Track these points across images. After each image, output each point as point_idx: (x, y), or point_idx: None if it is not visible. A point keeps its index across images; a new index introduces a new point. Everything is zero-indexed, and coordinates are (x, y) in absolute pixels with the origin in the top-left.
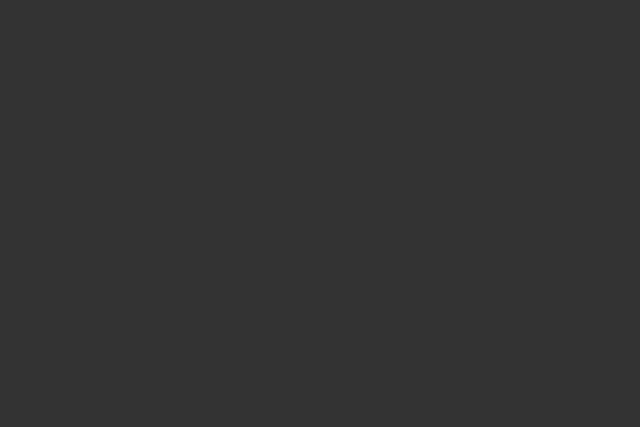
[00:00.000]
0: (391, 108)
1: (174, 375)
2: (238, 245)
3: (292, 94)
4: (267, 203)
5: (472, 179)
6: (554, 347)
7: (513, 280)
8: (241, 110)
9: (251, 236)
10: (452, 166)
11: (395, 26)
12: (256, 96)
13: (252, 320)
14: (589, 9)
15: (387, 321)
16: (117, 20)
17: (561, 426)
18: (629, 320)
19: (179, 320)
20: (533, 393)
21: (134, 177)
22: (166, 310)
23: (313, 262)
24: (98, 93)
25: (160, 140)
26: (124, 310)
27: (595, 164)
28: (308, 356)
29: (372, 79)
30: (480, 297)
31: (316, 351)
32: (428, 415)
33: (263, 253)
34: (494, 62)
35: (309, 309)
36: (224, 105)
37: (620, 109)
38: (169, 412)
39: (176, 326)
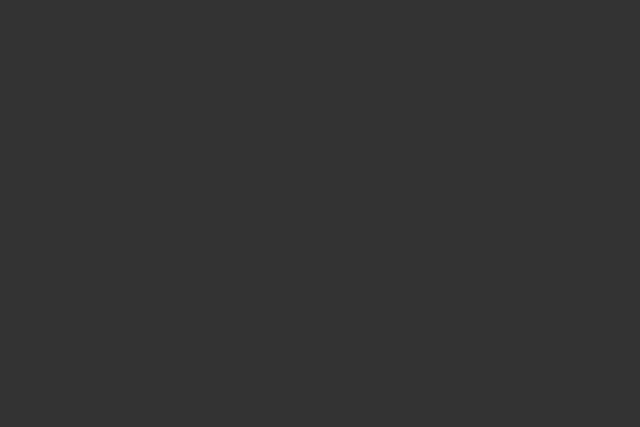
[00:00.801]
0: (391, 108)
1: (174, 375)
2: (238, 246)
3: (291, 94)
4: (267, 203)
5: (472, 179)
6: (554, 347)
7: (513, 280)
8: (241, 110)
9: (251, 236)
10: (452, 166)
11: (395, 26)
12: (256, 96)
13: (252, 320)
14: (589, 9)
15: (387, 321)
16: (117, 20)
17: (561, 426)
18: (629, 320)
19: (179, 321)
20: (533, 393)
21: (134, 177)
22: (166, 310)
23: (313, 263)
24: (98, 93)
25: (160, 140)
26: (124, 311)
27: (595, 164)
28: (308, 356)
29: (372, 79)
30: (480, 297)
31: (316, 351)
32: (428, 415)
33: (263, 254)
34: (494, 62)
35: (309, 309)
36: (224, 105)
37: (620, 109)
38: (169, 412)
39: (176, 327)
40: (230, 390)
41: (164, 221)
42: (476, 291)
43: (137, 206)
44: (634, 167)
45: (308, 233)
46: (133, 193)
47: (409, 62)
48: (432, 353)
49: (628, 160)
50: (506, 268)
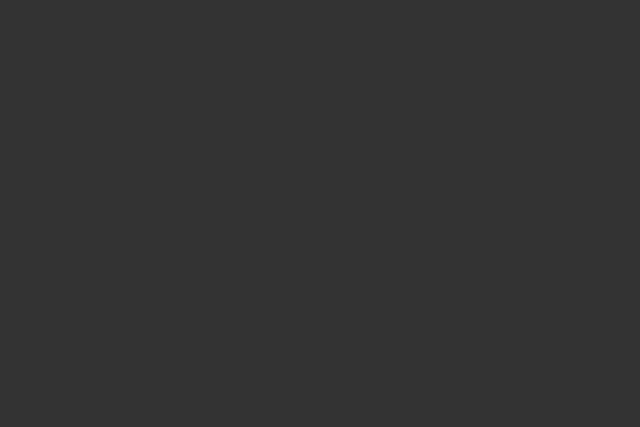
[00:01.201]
0: (391, 108)
1: (174, 375)
2: (238, 246)
3: (291, 94)
4: (266, 203)
5: (472, 179)
6: (554, 347)
7: (513, 280)
8: (241, 110)
9: (251, 236)
10: (452, 166)
11: (395, 26)
12: (256, 96)
13: (252, 320)
14: (589, 9)
15: (387, 321)
16: (117, 20)
17: (561, 426)
18: (629, 320)
19: (179, 321)
20: (533, 393)
21: (134, 177)
22: (166, 310)
23: (313, 263)
24: (98, 93)
25: (160, 140)
26: (124, 311)
27: (595, 164)
28: (308, 356)
29: (372, 79)
30: (480, 297)
31: (316, 351)
32: (428, 415)
33: (263, 254)
34: (494, 62)
35: (309, 309)
36: (224, 105)
37: (620, 109)
38: (169, 412)
39: (176, 327)
40: (230, 390)
41: (164, 222)
42: (476, 291)
43: (137, 206)
44: (634, 167)
45: (308, 233)
46: (133, 193)
47: (409, 62)
48: (432, 353)
49: (628, 160)
50: (506, 268)
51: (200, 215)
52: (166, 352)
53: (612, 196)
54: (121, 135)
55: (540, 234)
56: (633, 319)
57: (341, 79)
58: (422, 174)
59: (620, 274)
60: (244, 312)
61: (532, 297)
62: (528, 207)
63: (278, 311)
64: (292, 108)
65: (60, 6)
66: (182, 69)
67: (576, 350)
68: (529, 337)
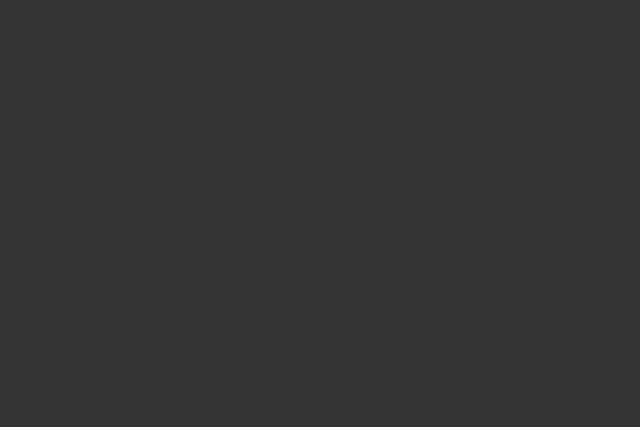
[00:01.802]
0: (391, 108)
1: (174, 375)
2: (238, 246)
3: (291, 94)
4: (266, 203)
5: (472, 179)
6: (554, 347)
7: (513, 280)
8: (241, 110)
9: (250, 236)
10: (452, 166)
11: (395, 26)
12: (256, 96)
13: (252, 320)
14: (589, 9)
15: (387, 321)
16: (117, 20)
17: (561, 426)
18: (629, 320)
19: (179, 321)
20: (533, 393)
21: (134, 177)
22: (166, 310)
23: (313, 263)
24: (98, 93)
25: (160, 140)
26: (124, 311)
27: (595, 164)
28: (308, 356)
29: (372, 79)
30: (480, 297)
31: (316, 351)
32: (428, 415)
33: (263, 254)
34: (494, 62)
35: (309, 309)
36: (224, 105)
37: (620, 109)
38: (169, 412)
39: (176, 327)
40: (230, 390)
41: (164, 222)
42: (476, 291)
43: (137, 206)
44: (634, 167)
45: (308, 233)
46: (133, 193)
47: (409, 62)
48: (432, 353)
49: (628, 160)
50: (506, 268)
51: (200, 216)
52: (166, 352)
53: (611, 196)
54: (121, 135)
55: (539, 234)
56: (633, 319)
57: (341, 79)
58: (422, 175)
59: (620, 274)
60: (244, 313)
61: (532, 297)
62: (528, 208)
63: (278, 312)
64: (292, 109)
65: (59, 6)
66: (182, 69)
67: (576, 350)
68: (529, 337)
